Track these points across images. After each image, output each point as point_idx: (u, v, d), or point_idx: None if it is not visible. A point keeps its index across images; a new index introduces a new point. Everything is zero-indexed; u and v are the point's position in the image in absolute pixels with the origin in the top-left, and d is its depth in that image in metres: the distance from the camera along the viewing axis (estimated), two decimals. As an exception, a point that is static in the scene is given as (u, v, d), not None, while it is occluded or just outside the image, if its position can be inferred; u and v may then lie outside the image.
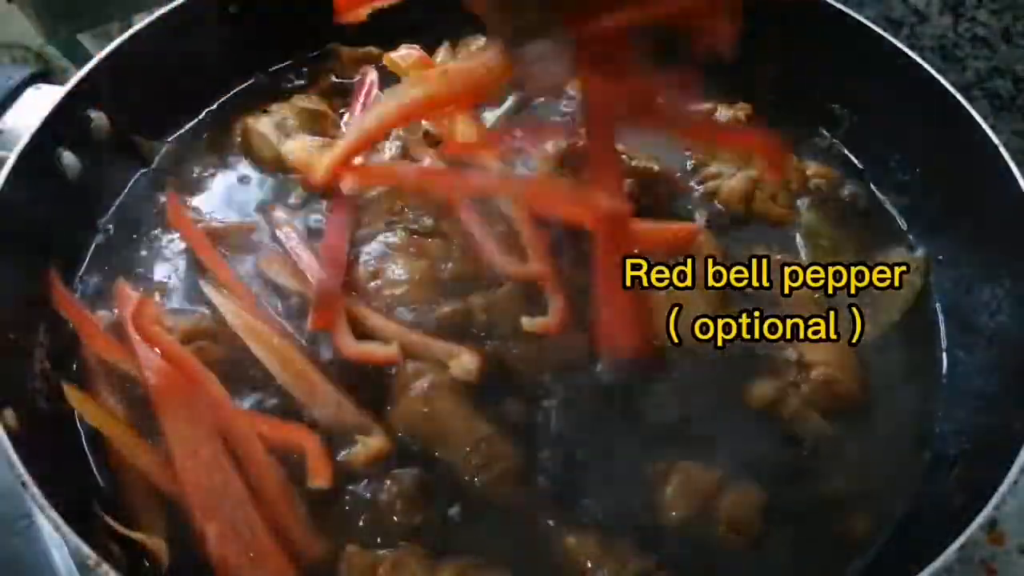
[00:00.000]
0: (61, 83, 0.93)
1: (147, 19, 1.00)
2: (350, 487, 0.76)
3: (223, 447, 0.74)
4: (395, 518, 0.73)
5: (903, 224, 0.99)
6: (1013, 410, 0.76)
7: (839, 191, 1.01)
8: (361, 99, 1.03)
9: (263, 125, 1.00)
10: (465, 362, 0.80)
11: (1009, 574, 0.87)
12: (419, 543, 0.73)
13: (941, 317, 0.91)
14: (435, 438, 0.78)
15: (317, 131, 1.01)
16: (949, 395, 0.85)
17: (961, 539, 0.65)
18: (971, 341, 0.88)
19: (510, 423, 0.79)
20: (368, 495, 0.75)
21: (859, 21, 1.01)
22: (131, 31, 0.97)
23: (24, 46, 1.47)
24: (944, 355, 0.89)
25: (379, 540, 0.73)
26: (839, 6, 1.03)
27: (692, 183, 0.99)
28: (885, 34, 0.99)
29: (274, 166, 0.98)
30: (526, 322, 0.83)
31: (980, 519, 0.66)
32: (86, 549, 0.63)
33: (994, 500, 0.67)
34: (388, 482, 0.75)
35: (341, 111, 1.04)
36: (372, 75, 1.05)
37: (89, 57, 0.95)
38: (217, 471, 0.73)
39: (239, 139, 1.02)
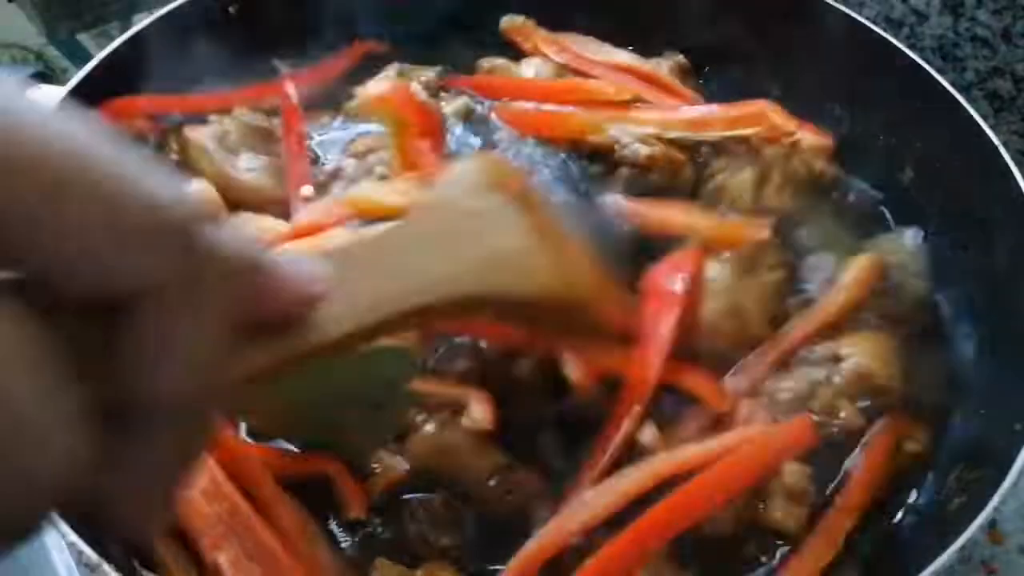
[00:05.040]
0: (61, 83, 0.93)
1: (147, 19, 1.00)
2: (373, 514, 0.75)
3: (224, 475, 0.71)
4: (421, 542, 0.73)
5: (904, 224, 0.99)
6: (1013, 410, 0.75)
7: (839, 191, 1.01)
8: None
9: (203, 137, 0.92)
10: (475, 415, 0.76)
11: (1009, 574, 0.87)
12: (447, 564, 0.72)
13: (942, 317, 0.91)
14: (453, 471, 0.76)
15: (261, 150, 0.94)
16: (949, 395, 0.85)
17: (961, 539, 0.65)
18: (971, 341, 0.87)
19: (527, 450, 0.77)
20: (392, 521, 0.74)
21: (859, 21, 1.01)
22: (131, 31, 0.97)
23: (24, 46, 1.47)
24: (944, 355, 0.89)
25: (406, 562, 0.72)
26: (839, 6, 1.03)
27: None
28: (885, 34, 0.99)
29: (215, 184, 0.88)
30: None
31: (980, 519, 0.66)
32: (86, 549, 0.63)
33: (994, 500, 0.67)
34: (412, 507, 0.74)
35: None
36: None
37: (89, 57, 0.95)
38: (218, 499, 0.70)
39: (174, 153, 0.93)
